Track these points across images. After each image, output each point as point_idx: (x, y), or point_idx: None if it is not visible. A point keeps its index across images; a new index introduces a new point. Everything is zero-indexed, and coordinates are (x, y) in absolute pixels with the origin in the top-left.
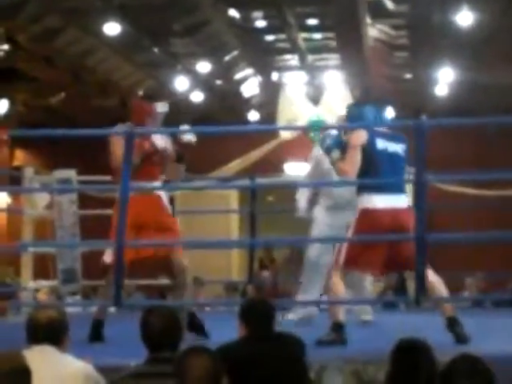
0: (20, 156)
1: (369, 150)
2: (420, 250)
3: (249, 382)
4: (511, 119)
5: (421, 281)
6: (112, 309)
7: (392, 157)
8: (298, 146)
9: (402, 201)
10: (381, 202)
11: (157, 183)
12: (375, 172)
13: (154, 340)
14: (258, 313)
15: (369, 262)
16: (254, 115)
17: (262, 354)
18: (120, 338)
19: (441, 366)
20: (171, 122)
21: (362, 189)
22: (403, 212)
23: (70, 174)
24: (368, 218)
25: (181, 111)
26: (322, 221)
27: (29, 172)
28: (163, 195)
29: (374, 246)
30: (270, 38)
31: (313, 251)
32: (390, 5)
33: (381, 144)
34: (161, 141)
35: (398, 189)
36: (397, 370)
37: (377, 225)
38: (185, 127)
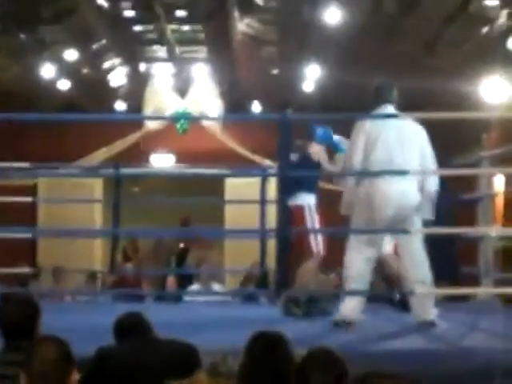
0: None
1: None
2: (281, 246)
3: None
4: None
5: (282, 274)
6: None
7: None
8: (164, 138)
9: None
10: None
11: None
12: None
13: (8, 328)
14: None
15: None
16: (120, 105)
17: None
18: None
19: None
20: (35, 109)
21: None
22: None
23: None
24: None
25: (46, 99)
26: None
27: None
28: None
29: None
30: (138, 28)
31: None
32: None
33: None
34: None
35: None
36: (251, 361)
37: None
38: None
